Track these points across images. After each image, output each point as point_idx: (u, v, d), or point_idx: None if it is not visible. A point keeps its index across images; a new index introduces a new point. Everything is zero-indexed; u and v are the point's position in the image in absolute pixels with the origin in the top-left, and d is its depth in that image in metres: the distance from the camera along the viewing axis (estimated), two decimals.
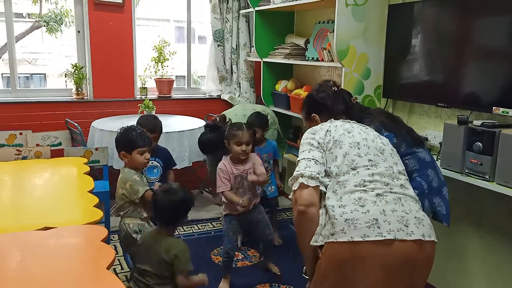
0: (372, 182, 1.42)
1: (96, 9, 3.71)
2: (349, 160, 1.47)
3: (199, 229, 3.46)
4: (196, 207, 3.86)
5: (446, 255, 2.56)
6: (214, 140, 2.74)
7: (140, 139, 2.28)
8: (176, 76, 4.36)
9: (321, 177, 1.46)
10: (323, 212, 1.46)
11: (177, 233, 3.32)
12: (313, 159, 1.50)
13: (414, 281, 1.40)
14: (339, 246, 1.35)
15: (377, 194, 1.40)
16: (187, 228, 3.45)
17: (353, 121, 1.73)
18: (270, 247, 2.79)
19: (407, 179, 1.55)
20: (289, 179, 1.56)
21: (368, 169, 1.43)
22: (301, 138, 1.73)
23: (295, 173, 1.52)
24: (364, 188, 1.41)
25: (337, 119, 1.74)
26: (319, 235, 1.44)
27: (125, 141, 2.29)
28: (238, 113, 3.32)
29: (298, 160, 1.56)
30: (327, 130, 1.59)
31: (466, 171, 2.14)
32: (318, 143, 1.55)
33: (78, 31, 3.84)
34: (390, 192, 1.44)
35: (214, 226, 3.51)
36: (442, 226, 2.50)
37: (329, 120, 1.71)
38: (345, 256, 1.35)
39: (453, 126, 2.18)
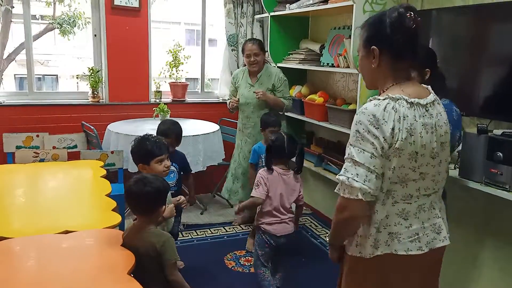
0: (417, 196, 1.40)
1: (113, 13, 3.75)
2: (402, 173, 1.35)
3: (212, 233, 3.47)
4: (209, 211, 3.88)
5: (463, 263, 2.54)
6: None
7: (156, 148, 2.20)
8: (186, 78, 4.38)
9: (377, 191, 1.35)
10: (367, 223, 1.42)
11: (190, 237, 3.34)
12: (375, 171, 1.31)
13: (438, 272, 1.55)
14: (382, 258, 1.39)
15: (419, 205, 1.41)
16: (200, 232, 3.46)
17: (421, 97, 1.38)
18: None
19: (447, 173, 1.48)
20: (340, 177, 1.34)
21: (416, 182, 1.37)
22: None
23: (348, 179, 1.31)
24: (409, 201, 1.39)
25: (402, 84, 1.39)
26: (361, 246, 1.42)
27: (141, 152, 2.21)
28: None
29: (353, 158, 1.32)
30: (392, 128, 1.30)
31: (486, 180, 2.12)
32: (382, 148, 1.30)
33: (95, 35, 3.88)
34: (428, 197, 1.43)
35: (227, 231, 3.52)
36: (460, 234, 2.50)
37: (391, 99, 1.33)
38: (387, 266, 1.40)
39: (473, 135, 2.16)
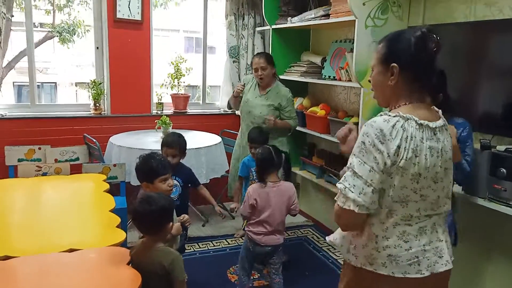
0: (418, 217, 1.39)
1: (115, 26, 3.77)
2: (404, 193, 1.34)
3: (214, 246, 3.46)
4: (211, 223, 3.88)
5: (467, 280, 2.54)
6: None
7: (161, 167, 2.19)
8: (185, 86, 4.38)
9: (374, 205, 1.35)
10: (365, 233, 1.42)
11: (192, 250, 3.33)
12: (372, 185, 1.30)
13: None
14: (378, 277, 1.38)
15: (420, 228, 1.39)
16: (203, 245, 3.45)
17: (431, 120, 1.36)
18: None
19: (449, 199, 1.47)
20: (339, 185, 1.35)
21: (417, 202, 1.37)
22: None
23: (345, 188, 1.33)
24: (409, 221, 1.38)
25: (414, 104, 1.37)
26: (359, 256, 1.43)
27: (146, 170, 2.21)
28: None
29: (354, 169, 1.32)
30: (398, 146, 1.29)
31: (490, 196, 2.13)
32: (385, 164, 1.29)
33: (97, 47, 3.89)
34: (430, 219, 1.42)
35: (229, 243, 3.51)
36: (464, 249, 2.50)
37: (401, 117, 1.32)
38: (386, 286, 1.38)
39: (476, 151, 2.17)
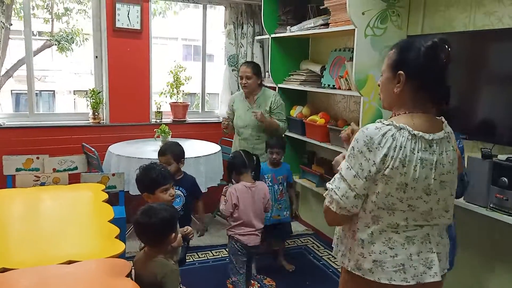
0: (406, 225, 1.38)
1: (114, 35, 3.77)
2: (389, 201, 1.35)
3: (213, 255, 3.44)
4: (210, 232, 3.85)
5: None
6: None
7: (162, 177, 2.18)
8: (184, 94, 4.37)
9: (355, 208, 1.38)
10: (351, 236, 1.45)
11: (192, 260, 3.30)
12: (355, 190, 1.34)
13: None
14: (364, 283, 1.40)
15: (407, 237, 1.39)
16: (202, 254, 3.42)
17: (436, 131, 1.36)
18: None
19: (447, 212, 1.44)
20: (328, 185, 1.41)
21: (404, 212, 1.37)
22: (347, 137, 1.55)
23: (332, 189, 1.38)
24: (396, 229, 1.38)
25: (414, 114, 1.37)
26: (346, 257, 1.48)
27: (146, 181, 2.19)
28: None
29: (341, 172, 1.37)
30: (385, 155, 1.30)
31: (491, 205, 2.12)
32: (369, 171, 1.32)
33: (96, 56, 3.89)
34: (421, 229, 1.41)
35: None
36: (465, 259, 2.48)
37: (394, 127, 1.32)
38: None
39: (477, 160, 2.17)
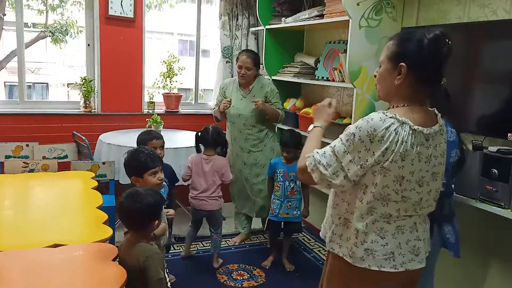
0: (397, 216, 1.41)
1: (107, 23, 3.73)
2: (385, 192, 1.36)
3: (204, 246, 3.42)
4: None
5: (458, 283, 2.52)
6: None
7: (150, 160, 2.15)
8: (178, 89, 4.35)
9: (341, 187, 1.39)
10: (343, 224, 1.49)
11: (182, 250, 3.28)
12: (347, 173, 1.35)
13: None
14: (355, 269, 1.44)
15: (398, 226, 1.42)
16: (192, 245, 3.39)
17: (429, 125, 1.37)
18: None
19: (435, 201, 1.47)
20: (316, 155, 1.39)
21: (397, 203, 1.39)
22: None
23: (319, 162, 1.37)
24: (388, 219, 1.41)
25: (413, 108, 1.37)
26: (338, 245, 1.50)
27: (135, 164, 2.16)
28: None
29: (336, 152, 1.36)
30: (386, 148, 1.30)
31: (481, 197, 2.12)
32: (366, 161, 1.32)
33: (88, 44, 3.85)
34: (410, 219, 1.44)
35: None
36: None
37: (397, 120, 1.31)
38: (360, 278, 1.46)
39: (468, 152, 2.16)
